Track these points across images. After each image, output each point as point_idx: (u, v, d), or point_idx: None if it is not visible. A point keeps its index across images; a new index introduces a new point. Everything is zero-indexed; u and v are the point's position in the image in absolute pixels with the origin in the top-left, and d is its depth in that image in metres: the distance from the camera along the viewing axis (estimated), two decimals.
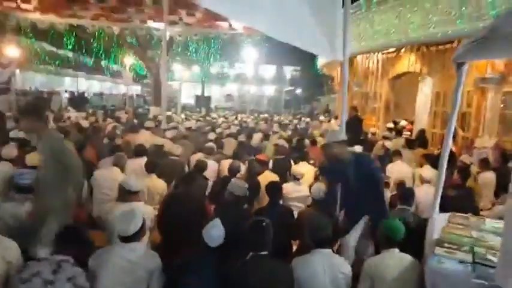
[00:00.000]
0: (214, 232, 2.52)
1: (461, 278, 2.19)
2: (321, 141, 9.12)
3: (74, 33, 17.00)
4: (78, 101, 17.53)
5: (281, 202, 4.14)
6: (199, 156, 5.98)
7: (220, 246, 2.59)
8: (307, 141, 8.42)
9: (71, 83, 24.20)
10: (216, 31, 14.31)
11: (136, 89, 32.70)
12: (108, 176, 4.45)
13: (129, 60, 16.69)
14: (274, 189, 3.79)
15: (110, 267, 2.41)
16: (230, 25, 13.29)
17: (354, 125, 8.74)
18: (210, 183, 4.81)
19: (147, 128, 7.42)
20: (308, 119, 16.28)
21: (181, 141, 6.79)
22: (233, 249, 2.66)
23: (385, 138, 8.72)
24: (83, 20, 13.56)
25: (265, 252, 2.53)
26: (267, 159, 5.52)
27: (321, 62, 15.80)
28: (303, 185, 4.84)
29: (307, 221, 3.06)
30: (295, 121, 15.85)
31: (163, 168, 5.35)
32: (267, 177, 4.81)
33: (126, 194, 3.55)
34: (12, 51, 14.47)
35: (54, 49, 19.49)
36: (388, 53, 10.58)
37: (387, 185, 4.97)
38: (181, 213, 3.39)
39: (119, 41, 16.44)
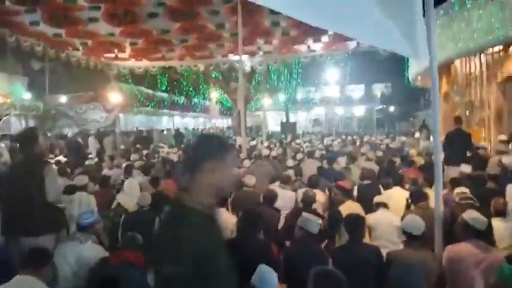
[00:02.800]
0: (265, 278, 2.03)
1: None
2: (419, 161, 8.01)
3: (166, 75, 18.61)
4: (175, 137, 18.80)
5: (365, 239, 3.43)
6: (276, 185, 5.55)
7: None
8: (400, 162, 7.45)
9: (167, 122, 26.25)
10: (295, 55, 14.13)
11: (227, 122, 34.09)
12: None
13: (215, 94, 17.41)
14: (355, 223, 3.12)
15: None
16: (308, 47, 12.97)
17: (458, 139, 7.48)
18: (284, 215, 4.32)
19: None
20: (404, 138, 14.79)
21: (257, 170, 6.44)
22: None
23: (500, 153, 7.24)
24: (171, 61, 14.62)
25: None
26: (350, 186, 4.81)
27: (412, 74, 14.39)
28: (394, 214, 4.04)
29: (396, 266, 2.37)
30: (388, 140, 14.52)
31: (236, 200, 5.04)
32: (349, 207, 4.13)
33: None
34: (115, 96, 16.12)
35: (150, 91, 21.45)
36: (494, 53, 9.02)
37: (502, 213, 3.87)
38: (242, 255, 2.94)
39: (204, 77, 17.36)
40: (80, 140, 14.42)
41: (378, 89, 37.16)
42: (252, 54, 13.84)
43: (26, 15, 8.61)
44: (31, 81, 16.91)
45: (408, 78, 16.11)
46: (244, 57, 13.48)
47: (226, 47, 12.79)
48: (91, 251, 3.19)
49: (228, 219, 4.24)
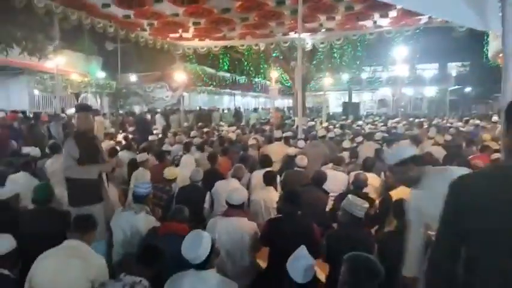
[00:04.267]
0: (299, 265, 1.99)
1: None
2: (493, 146, 7.31)
3: (228, 55, 18.84)
4: (234, 116, 19.29)
5: None
6: (328, 167, 5.42)
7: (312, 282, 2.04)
8: (473, 148, 6.90)
9: (229, 101, 26.83)
10: (360, 32, 13.42)
11: (288, 102, 33.89)
12: (225, 187, 4.35)
13: (275, 74, 17.34)
14: (402, 208, 2.94)
15: None
16: (375, 22, 12.24)
17: None
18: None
19: (278, 139, 7.25)
20: (477, 121, 13.54)
21: (311, 151, 6.33)
22: None
23: None
24: (232, 41, 14.73)
25: None
26: None
27: (492, 51, 12.96)
28: None
29: None
30: (460, 124, 13.40)
31: (285, 180, 5.02)
32: (402, 192, 3.90)
33: (229, 208, 3.32)
34: (180, 76, 16.74)
35: (213, 71, 21.94)
36: None
37: None
38: (285, 235, 2.94)
39: (265, 56, 17.25)
40: (148, 117, 15.35)
41: (454, 68, 34.22)
42: (314, 31, 13.42)
43: None
44: (105, 61, 18.17)
45: (488, 56, 14.59)
46: (305, 35, 13.11)
47: (287, 25, 12.53)
48: (143, 221, 3.39)
49: (274, 197, 4.25)
